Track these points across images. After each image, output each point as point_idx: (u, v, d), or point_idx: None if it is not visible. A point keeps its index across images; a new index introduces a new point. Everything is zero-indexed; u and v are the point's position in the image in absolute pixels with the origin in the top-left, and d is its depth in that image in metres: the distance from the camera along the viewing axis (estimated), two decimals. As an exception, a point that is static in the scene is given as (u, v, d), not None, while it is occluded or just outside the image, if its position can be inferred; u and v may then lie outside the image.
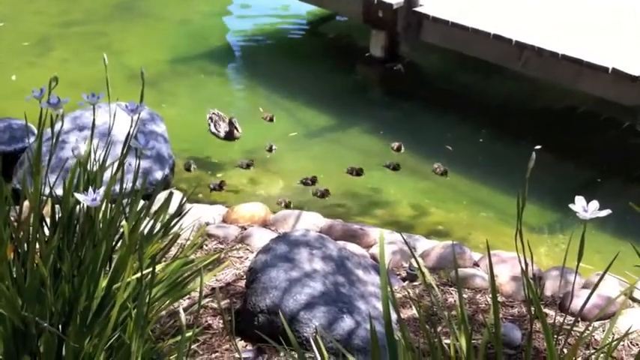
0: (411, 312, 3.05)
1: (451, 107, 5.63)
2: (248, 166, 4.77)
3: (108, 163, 2.59)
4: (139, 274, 2.01)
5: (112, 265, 2.29)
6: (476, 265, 3.49)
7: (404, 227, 4.18)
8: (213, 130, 5.11)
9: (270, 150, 4.95)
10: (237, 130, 5.06)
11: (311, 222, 3.78)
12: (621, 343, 2.85)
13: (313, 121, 5.41)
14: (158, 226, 2.58)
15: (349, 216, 4.27)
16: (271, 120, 5.34)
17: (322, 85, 5.96)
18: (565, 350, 2.57)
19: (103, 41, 6.56)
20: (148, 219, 2.54)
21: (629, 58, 4.84)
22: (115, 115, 2.56)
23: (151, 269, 1.84)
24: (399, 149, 4.98)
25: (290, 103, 5.67)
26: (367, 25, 6.26)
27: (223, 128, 5.07)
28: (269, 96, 5.82)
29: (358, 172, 4.72)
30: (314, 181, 4.63)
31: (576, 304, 3.04)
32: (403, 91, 5.90)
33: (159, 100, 5.49)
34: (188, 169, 4.72)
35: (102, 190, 2.04)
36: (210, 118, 5.17)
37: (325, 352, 1.85)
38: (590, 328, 2.77)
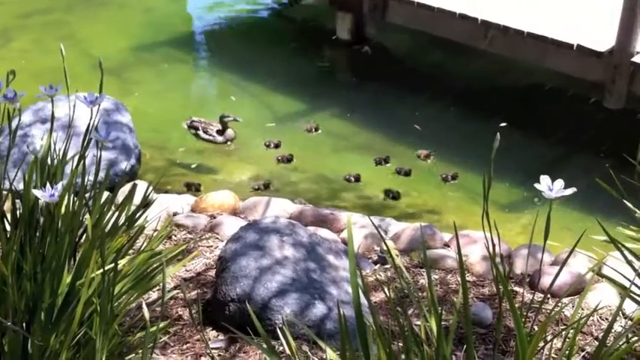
0: (382, 295, 3.05)
1: (419, 87, 5.62)
2: (289, 160, 4.66)
3: (70, 156, 2.53)
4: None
5: (76, 261, 2.24)
6: (447, 245, 3.49)
7: (375, 210, 4.18)
8: (206, 137, 4.76)
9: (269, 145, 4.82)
10: (227, 126, 4.72)
11: (281, 208, 3.75)
12: (591, 318, 2.87)
13: (283, 106, 5.37)
14: (123, 218, 2.53)
15: (320, 200, 4.25)
16: (316, 130, 4.99)
17: (290, 70, 5.92)
18: (535, 327, 2.59)
19: (66, 31, 6.45)
20: (112, 211, 2.50)
21: (594, 34, 4.86)
22: (75, 106, 2.50)
23: (113, 264, 1.81)
24: (427, 157, 4.69)
25: (258, 89, 5.62)
26: (333, 8, 6.22)
27: (216, 130, 4.72)
28: (238, 82, 5.77)
29: (386, 160, 4.66)
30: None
31: (546, 281, 3.06)
32: (371, 73, 5.88)
33: (124, 89, 5.41)
34: (195, 189, 4.33)
35: (60, 185, 1.99)
36: (194, 127, 4.82)
37: (292, 341, 1.83)
38: (560, 305, 2.79)
